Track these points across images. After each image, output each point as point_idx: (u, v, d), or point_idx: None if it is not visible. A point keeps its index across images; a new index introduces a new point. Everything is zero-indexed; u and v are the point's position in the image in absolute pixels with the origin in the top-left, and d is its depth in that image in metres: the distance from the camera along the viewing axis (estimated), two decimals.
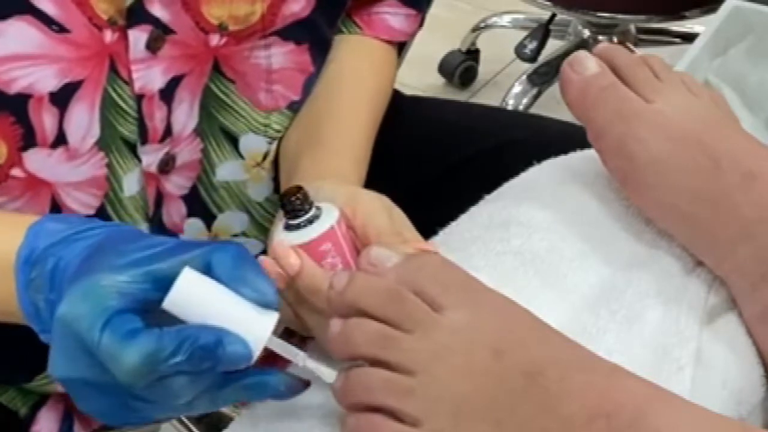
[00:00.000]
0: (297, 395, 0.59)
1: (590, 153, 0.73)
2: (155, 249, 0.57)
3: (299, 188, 0.63)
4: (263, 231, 0.88)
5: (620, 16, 1.78)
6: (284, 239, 0.63)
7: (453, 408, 0.54)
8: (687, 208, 0.67)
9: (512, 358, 0.55)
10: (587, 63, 0.71)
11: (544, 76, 1.98)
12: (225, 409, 1.39)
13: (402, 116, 0.92)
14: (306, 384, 0.59)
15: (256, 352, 0.56)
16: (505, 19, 2.14)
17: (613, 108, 0.69)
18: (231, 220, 0.86)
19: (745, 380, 0.65)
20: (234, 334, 0.55)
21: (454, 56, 2.17)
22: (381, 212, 0.66)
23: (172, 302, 0.55)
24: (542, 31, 1.97)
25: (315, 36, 0.82)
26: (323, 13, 0.81)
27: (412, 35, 0.93)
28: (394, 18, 0.90)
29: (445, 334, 0.55)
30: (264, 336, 0.56)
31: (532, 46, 1.97)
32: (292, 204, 0.63)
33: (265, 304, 0.56)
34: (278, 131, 0.83)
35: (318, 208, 0.64)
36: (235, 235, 0.88)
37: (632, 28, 2.00)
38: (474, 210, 0.74)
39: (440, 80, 2.19)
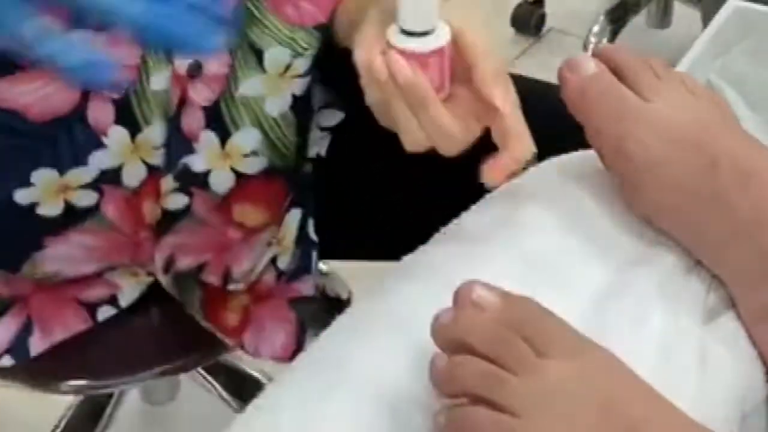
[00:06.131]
0: None
1: (590, 153, 0.73)
2: None
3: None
4: (275, 150, 0.91)
5: None
6: (401, 42, 0.66)
7: None
8: (684, 209, 0.68)
9: (615, 416, 0.55)
10: (586, 64, 0.71)
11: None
12: (254, 372, 1.40)
13: None
14: None
15: None
16: None
17: (610, 108, 0.70)
18: (245, 139, 0.88)
19: (747, 379, 0.66)
20: None
21: (524, 7, 2.24)
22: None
23: None
24: None
25: None
26: None
27: None
28: None
29: (551, 382, 0.56)
30: None
31: None
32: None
33: None
34: (304, 48, 0.85)
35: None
36: (246, 155, 0.90)
37: None
38: (475, 209, 0.74)
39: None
